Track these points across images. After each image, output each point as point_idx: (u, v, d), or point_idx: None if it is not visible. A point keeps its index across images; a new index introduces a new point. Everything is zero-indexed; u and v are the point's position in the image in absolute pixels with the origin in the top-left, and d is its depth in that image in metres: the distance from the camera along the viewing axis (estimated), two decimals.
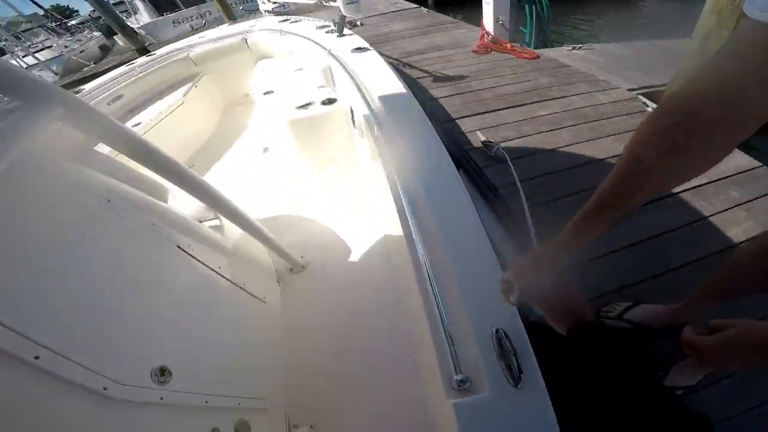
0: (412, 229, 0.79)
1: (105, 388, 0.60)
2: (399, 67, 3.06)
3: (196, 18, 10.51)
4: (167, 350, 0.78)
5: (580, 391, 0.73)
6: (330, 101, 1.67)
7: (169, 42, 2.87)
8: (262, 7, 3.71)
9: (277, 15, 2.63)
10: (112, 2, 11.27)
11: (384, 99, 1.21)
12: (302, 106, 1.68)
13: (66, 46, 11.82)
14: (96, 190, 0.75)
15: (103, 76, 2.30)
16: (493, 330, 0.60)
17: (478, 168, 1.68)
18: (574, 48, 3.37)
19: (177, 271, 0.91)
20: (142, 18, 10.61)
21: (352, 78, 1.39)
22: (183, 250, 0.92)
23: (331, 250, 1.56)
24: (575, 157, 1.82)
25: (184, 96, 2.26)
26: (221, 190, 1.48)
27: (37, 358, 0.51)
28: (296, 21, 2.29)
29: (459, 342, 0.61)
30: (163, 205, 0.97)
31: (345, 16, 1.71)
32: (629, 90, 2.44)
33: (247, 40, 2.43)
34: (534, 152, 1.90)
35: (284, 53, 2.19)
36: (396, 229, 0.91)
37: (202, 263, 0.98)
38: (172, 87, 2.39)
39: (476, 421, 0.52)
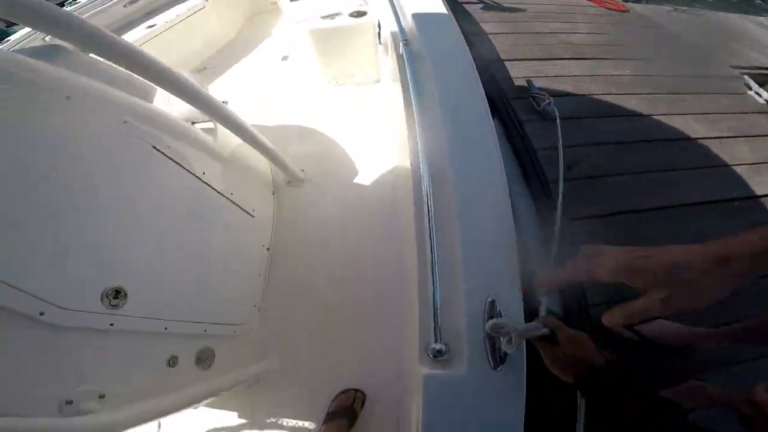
0: (421, 169, 0.65)
1: (42, 314, 0.54)
2: None
3: None
4: (125, 268, 0.71)
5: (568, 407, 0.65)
6: (359, 14, 1.46)
7: None
8: None
9: None
10: None
11: (417, 16, 1.01)
12: (328, 16, 1.48)
13: None
14: (51, 86, 0.65)
15: None
16: (488, 301, 0.52)
17: (518, 121, 1.42)
18: (676, 8, 2.78)
19: (148, 173, 0.82)
20: None
21: None
22: (159, 150, 0.83)
23: (335, 167, 1.47)
24: (641, 131, 1.51)
25: (206, 0, 2.08)
26: (230, 95, 1.29)
27: None
28: None
29: (447, 306, 0.53)
30: (142, 104, 0.86)
31: None
32: (733, 67, 1.98)
33: None
34: (591, 116, 1.60)
35: None
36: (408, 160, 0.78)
37: (182, 167, 0.89)
38: None
39: (443, 399, 0.48)
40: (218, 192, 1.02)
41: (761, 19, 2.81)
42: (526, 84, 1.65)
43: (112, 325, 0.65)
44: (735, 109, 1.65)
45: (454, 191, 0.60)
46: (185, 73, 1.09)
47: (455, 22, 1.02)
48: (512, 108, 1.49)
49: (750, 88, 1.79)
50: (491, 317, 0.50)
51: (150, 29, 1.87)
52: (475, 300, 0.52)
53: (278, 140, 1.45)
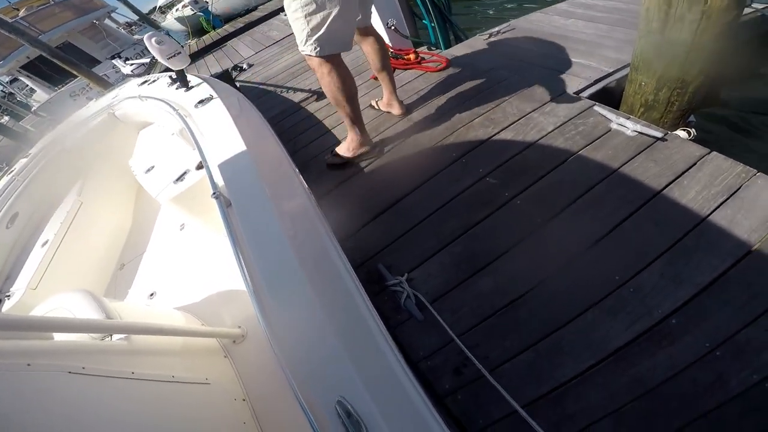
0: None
1: None
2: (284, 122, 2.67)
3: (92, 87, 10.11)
4: None
5: None
6: (201, 165, 1.66)
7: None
8: (123, 71, 3.67)
9: (139, 76, 2.55)
10: (7, 81, 11.07)
11: (224, 165, 1.21)
12: (179, 178, 1.68)
13: None
14: None
15: None
16: (336, 400, 0.63)
17: (391, 329, 1.29)
18: (491, 35, 2.75)
19: (77, 393, 0.92)
20: (39, 96, 10.26)
21: (194, 138, 1.40)
22: (76, 373, 0.93)
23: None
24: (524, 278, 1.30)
25: (79, 195, 2.23)
26: (155, 284, 1.63)
27: None
28: (154, 81, 2.26)
29: (316, 417, 0.65)
30: (40, 343, 0.99)
31: (182, 69, 1.73)
32: (576, 94, 1.83)
33: (115, 114, 2.38)
34: (462, 275, 1.36)
35: (157, 119, 2.16)
36: None
37: (106, 376, 1.00)
38: (66, 186, 2.34)
39: None
40: (157, 380, 1.11)
41: (577, 8, 2.75)
42: (378, 270, 1.45)
43: None
44: (615, 161, 1.47)
45: (280, 320, 0.80)
46: (85, 297, 1.24)
47: (254, 169, 1.15)
48: (378, 312, 1.40)
49: (609, 120, 1.60)
50: (347, 414, 0.62)
51: (44, 247, 1.97)
52: (327, 405, 0.64)
53: (209, 310, 1.58)
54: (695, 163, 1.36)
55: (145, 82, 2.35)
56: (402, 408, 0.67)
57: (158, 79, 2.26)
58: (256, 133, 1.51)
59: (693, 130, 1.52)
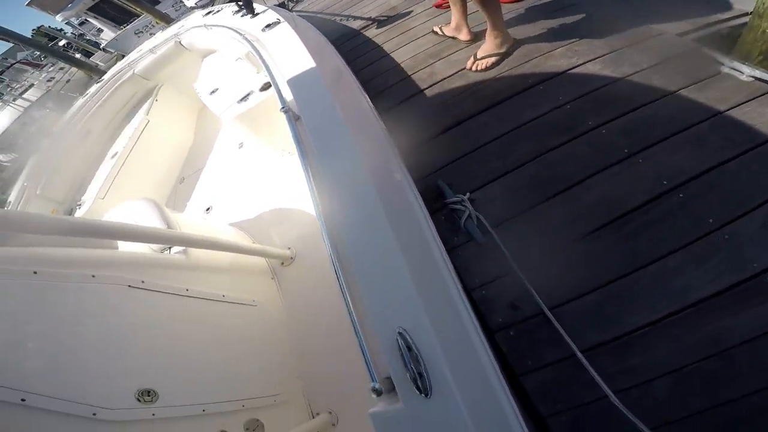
0: (322, 232, 0.80)
1: (94, 414, 0.74)
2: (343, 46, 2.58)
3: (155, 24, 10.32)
4: (149, 374, 0.88)
5: None
6: (266, 86, 1.69)
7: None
8: (187, 3, 3.72)
9: (203, 8, 2.58)
10: (77, 23, 11.61)
11: (293, 82, 1.18)
12: (243, 99, 1.72)
13: (50, 80, 12.10)
14: (19, 267, 0.80)
15: (67, 113, 2.51)
16: (397, 332, 0.57)
17: (447, 252, 1.13)
18: None
19: (135, 307, 0.97)
20: (106, 35, 10.93)
21: (261, 59, 1.39)
22: (135, 287, 0.98)
23: (315, 234, 1.57)
24: (595, 204, 1.17)
25: (147, 114, 2.38)
26: (211, 199, 1.63)
27: (23, 400, 0.66)
28: (219, 11, 2.28)
29: (372, 347, 0.62)
30: (104, 253, 1.03)
31: None
32: (681, 35, 1.60)
33: (182, 42, 2.45)
34: (533, 202, 1.24)
35: (222, 46, 2.20)
36: None
37: (163, 292, 1.04)
38: (135, 107, 2.53)
39: None
40: (209, 299, 1.17)
41: None
42: (438, 187, 1.36)
43: (154, 415, 0.84)
44: (723, 103, 1.26)
45: (345, 238, 0.74)
46: (150, 206, 1.31)
47: (323, 86, 1.09)
48: (436, 231, 1.09)
49: (721, 64, 1.38)
50: (407, 347, 0.56)
51: (113, 158, 2.15)
52: (386, 336, 0.59)
53: (261, 229, 1.63)
54: None
55: (210, 12, 2.38)
56: (462, 351, 0.60)
57: (222, 9, 2.28)
58: (322, 52, 1.48)
59: None
